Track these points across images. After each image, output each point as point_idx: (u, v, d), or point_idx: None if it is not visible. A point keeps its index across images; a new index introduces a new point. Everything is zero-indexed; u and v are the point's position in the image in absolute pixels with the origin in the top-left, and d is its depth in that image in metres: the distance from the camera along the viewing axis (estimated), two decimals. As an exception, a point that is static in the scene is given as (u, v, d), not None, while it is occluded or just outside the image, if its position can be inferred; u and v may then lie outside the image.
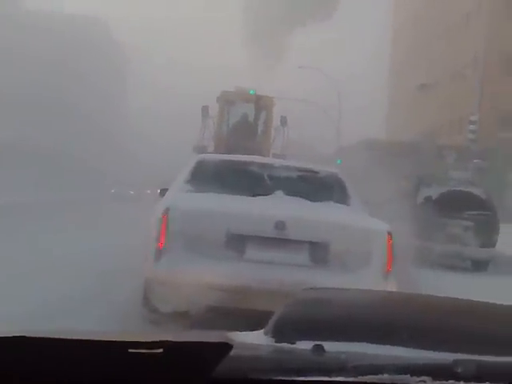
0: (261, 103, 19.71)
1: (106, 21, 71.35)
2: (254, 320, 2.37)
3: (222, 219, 5.99)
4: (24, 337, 1.30)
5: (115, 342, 1.37)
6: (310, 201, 6.68)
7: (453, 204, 16.28)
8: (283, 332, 1.91)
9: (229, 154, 11.81)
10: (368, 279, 5.43)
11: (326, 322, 2.03)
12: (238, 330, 1.95)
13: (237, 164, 7.51)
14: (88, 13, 68.01)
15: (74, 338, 1.33)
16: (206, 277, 5.52)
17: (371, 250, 6.00)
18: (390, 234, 6.12)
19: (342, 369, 1.60)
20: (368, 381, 1.58)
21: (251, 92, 20.55)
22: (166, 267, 5.83)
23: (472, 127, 31.01)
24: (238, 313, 5.25)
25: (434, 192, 17.04)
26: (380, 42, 54.32)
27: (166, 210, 5.95)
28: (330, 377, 1.58)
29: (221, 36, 65.98)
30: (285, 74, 34.97)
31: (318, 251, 5.99)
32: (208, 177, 7.04)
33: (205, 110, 20.04)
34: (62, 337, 1.33)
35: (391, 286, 5.75)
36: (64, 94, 60.00)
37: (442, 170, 28.33)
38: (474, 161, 29.57)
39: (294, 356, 1.74)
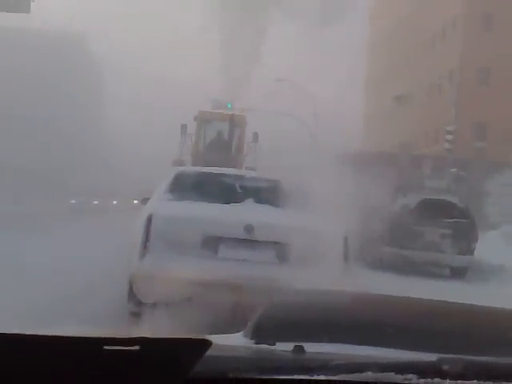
0: (235, 121, 21.34)
1: (83, 36, 71.34)
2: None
3: (199, 223, 6.85)
4: None
5: (90, 338, 1.32)
6: (276, 207, 7.54)
7: (430, 212, 16.35)
8: (262, 334, 1.89)
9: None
10: (327, 274, 6.01)
11: (305, 324, 2.01)
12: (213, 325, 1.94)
13: (212, 175, 8.38)
14: (65, 28, 67.91)
15: (47, 334, 1.29)
16: (184, 272, 6.25)
17: (329, 249, 6.72)
18: (345, 234, 7.03)
19: (323, 367, 1.56)
20: (351, 379, 1.55)
21: (228, 105, 23.04)
22: (150, 264, 6.59)
23: (449, 137, 31.25)
24: (213, 305, 5.76)
25: (412, 200, 17.12)
26: (356, 55, 54.60)
27: (150, 216, 6.80)
28: (311, 375, 1.55)
29: (197, 50, 66.13)
30: (262, 86, 35.13)
31: (282, 250, 6.82)
32: (186, 187, 7.85)
33: (183, 127, 21.63)
34: (34, 333, 1.29)
35: (348, 279, 6.56)
36: (37, 107, 59.67)
37: (418, 179, 28.48)
38: (451, 170, 29.78)
39: (274, 356, 1.72)
